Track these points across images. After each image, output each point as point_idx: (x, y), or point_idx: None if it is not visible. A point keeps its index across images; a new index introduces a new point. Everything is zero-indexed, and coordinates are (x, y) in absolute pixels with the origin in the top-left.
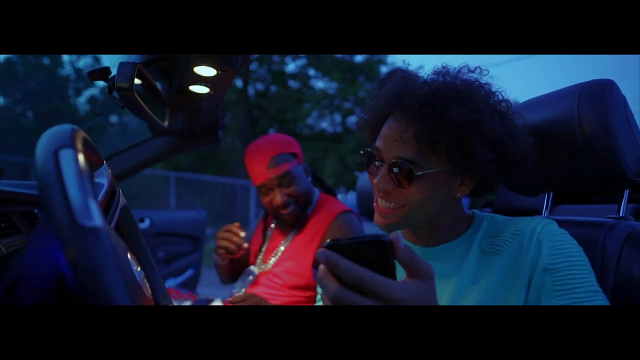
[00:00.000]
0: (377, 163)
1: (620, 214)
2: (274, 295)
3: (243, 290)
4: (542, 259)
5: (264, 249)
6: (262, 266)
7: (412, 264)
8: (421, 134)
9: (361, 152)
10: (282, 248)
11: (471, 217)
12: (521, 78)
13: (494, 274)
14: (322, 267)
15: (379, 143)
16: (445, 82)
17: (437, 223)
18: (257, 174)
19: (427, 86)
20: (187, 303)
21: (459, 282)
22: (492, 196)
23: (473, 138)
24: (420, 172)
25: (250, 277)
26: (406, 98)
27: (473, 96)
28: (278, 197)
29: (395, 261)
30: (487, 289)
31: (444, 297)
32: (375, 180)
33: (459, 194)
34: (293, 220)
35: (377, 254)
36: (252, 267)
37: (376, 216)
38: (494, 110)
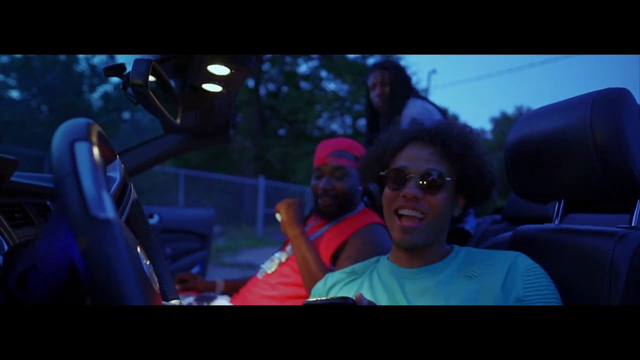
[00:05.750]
0: (406, 176)
1: (633, 224)
2: (291, 273)
3: (272, 269)
4: (516, 289)
5: None
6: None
7: None
8: (447, 154)
9: (387, 171)
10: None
11: (449, 249)
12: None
13: (469, 295)
14: None
15: (404, 162)
16: (444, 123)
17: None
18: (319, 157)
19: (435, 124)
20: (190, 299)
21: (437, 298)
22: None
23: (468, 165)
24: (448, 178)
25: (283, 259)
26: (425, 130)
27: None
28: (324, 183)
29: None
30: (462, 304)
31: None
32: (406, 190)
33: (455, 213)
34: (327, 211)
35: None
36: (287, 250)
37: (398, 235)
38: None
